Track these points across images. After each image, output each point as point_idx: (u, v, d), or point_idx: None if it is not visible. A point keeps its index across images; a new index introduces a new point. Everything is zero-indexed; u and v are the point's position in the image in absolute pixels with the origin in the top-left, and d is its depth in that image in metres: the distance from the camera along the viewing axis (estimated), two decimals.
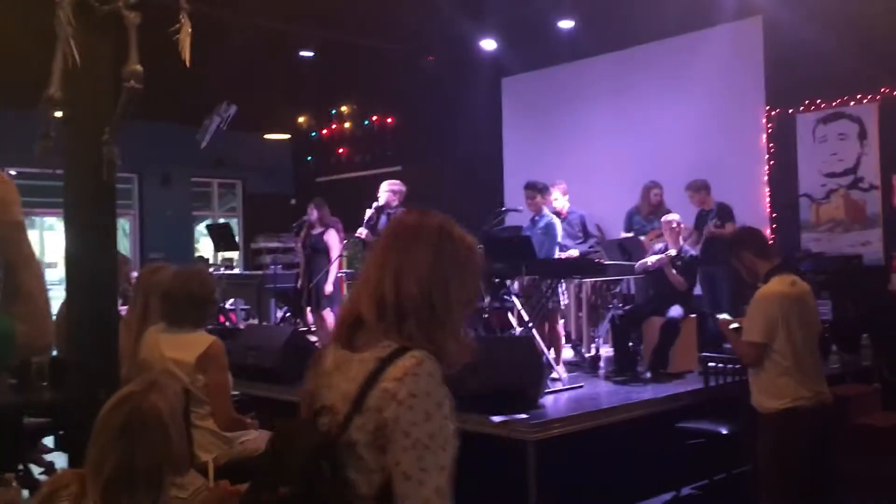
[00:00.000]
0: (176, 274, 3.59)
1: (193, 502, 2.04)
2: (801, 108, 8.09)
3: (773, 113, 8.28)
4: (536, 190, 6.70)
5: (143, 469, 1.98)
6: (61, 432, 4.00)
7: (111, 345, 3.50)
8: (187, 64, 2.90)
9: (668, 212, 7.00)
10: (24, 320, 1.60)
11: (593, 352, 6.93)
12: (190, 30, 2.91)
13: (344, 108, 12.58)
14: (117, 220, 3.91)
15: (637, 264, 6.76)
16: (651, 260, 6.53)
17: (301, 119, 13.05)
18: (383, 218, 7.02)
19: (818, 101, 7.96)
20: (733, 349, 4.12)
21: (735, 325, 4.20)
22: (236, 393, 3.78)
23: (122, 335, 3.63)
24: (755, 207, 8.07)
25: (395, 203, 7.00)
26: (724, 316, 4.43)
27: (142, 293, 3.78)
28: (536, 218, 6.79)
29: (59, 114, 3.39)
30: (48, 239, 12.36)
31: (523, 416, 4.81)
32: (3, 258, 1.63)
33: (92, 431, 2.02)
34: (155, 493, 1.97)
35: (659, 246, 6.62)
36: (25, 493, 2.56)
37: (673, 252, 6.45)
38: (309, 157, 13.29)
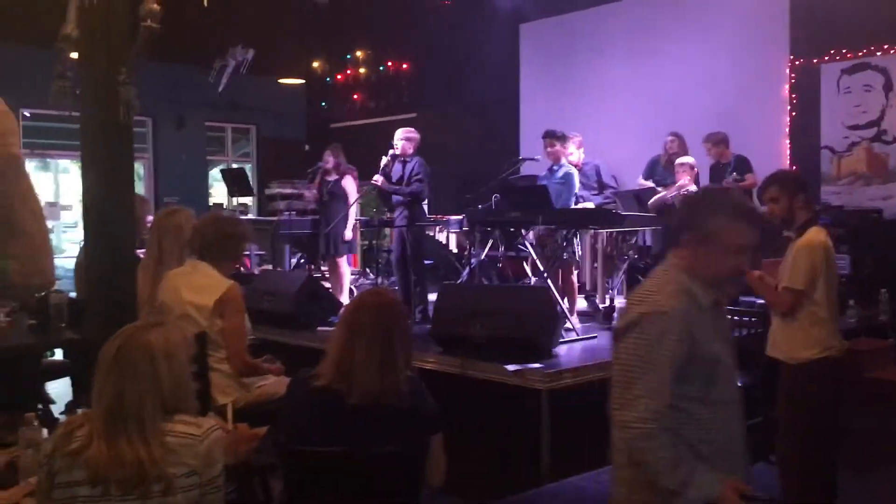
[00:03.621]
0: (207, 215, 3.62)
1: (206, 439, 2.06)
2: (826, 58, 7.90)
3: (796, 63, 8.10)
4: (556, 138, 6.62)
5: (130, 401, 2.02)
6: (75, 374, 4.04)
7: (130, 286, 3.50)
8: (205, 2, 2.83)
9: None
10: (18, 258, 1.58)
11: (607, 303, 6.92)
12: None
13: (359, 54, 12.40)
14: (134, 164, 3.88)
15: (653, 199, 6.73)
16: (666, 194, 6.52)
17: (315, 64, 12.89)
18: (398, 166, 6.96)
19: (843, 50, 7.77)
20: (765, 297, 4.04)
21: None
22: (252, 337, 3.79)
23: (139, 278, 3.64)
24: (775, 159, 7.94)
25: (410, 151, 6.93)
26: None
27: (157, 236, 3.78)
28: (555, 167, 6.72)
29: (74, 55, 3.35)
30: (63, 181, 12.36)
31: (537, 365, 4.83)
32: (1, 194, 1.60)
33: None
34: (142, 425, 2.00)
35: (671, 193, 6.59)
36: (45, 432, 2.59)
37: (692, 187, 6.43)
38: (323, 103, 13.16)
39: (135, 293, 3.48)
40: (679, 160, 6.69)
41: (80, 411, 2.39)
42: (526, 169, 7.63)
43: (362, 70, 12.38)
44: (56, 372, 4.40)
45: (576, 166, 7.27)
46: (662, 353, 2.07)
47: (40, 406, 3.63)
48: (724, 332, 2.27)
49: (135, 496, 1.98)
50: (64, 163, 12.34)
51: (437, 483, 2.51)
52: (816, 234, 3.81)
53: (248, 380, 3.52)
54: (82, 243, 3.95)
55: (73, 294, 3.91)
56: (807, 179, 4.51)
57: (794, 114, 8.15)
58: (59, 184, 12.33)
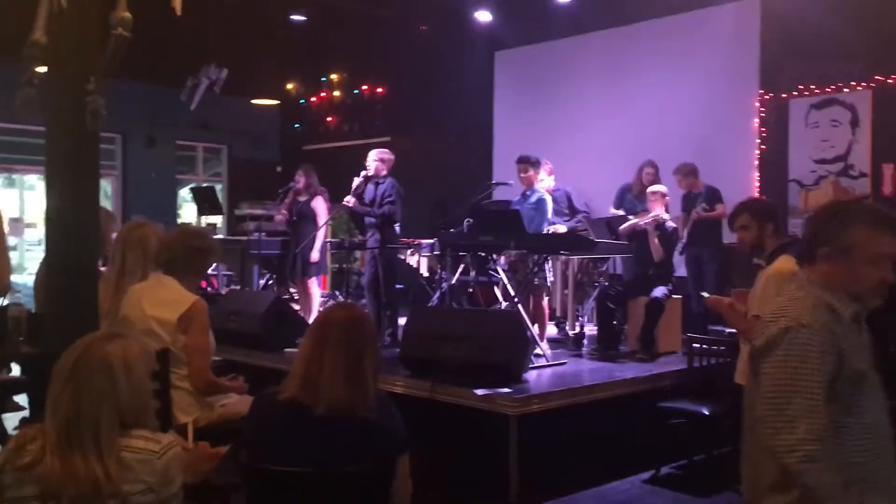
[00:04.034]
0: (175, 229, 3.54)
1: (164, 455, 1.98)
2: (795, 93, 8.05)
3: (766, 97, 8.24)
4: (529, 163, 6.63)
5: (87, 415, 1.95)
6: (33, 390, 3.92)
7: (91, 299, 3.41)
8: (178, 12, 2.79)
9: None
10: None
11: (577, 329, 6.92)
12: None
13: (334, 76, 12.41)
14: (100, 178, 3.81)
15: (624, 226, 6.76)
16: (638, 221, 6.56)
17: (290, 85, 12.87)
18: (370, 187, 6.92)
19: (812, 86, 7.92)
20: (735, 325, 4.05)
21: (705, 294, 4.20)
22: (217, 358, 3.71)
23: (101, 290, 3.55)
24: (744, 191, 8.03)
25: (383, 172, 6.90)
26: (706, 294, 4.38)
27: (121, 248, 3.70)
28: (528, 193, 6.73)
29: (42, 68, 3.28)
30: (28, 198, 12.15)
31: (506, 390, 4.79)
32: None
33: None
34: (98, 439, 1.93)
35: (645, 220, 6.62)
36: None
37: (664, 215, 6.47)
38: (297, 125, 13.12)
39: (96, 306, 3.39)
40: (651, 189, 6.74)
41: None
42: (498, 194, 7.64)
43: (337, 93, 12.38)
44: (12, 388, 4.28)
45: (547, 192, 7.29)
46: (810, 368, 1.98)
47: None
48: (867, 347, 2.17)
49: None
50: (30, 178, 12.14)
51: None
52: (786, 262, 3.83)
53: (211, 398, 3.44)
54: (43, 258, 3.85)
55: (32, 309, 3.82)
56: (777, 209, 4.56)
57: (763, 147, 8.28)
58: (24, 200, 12.12)
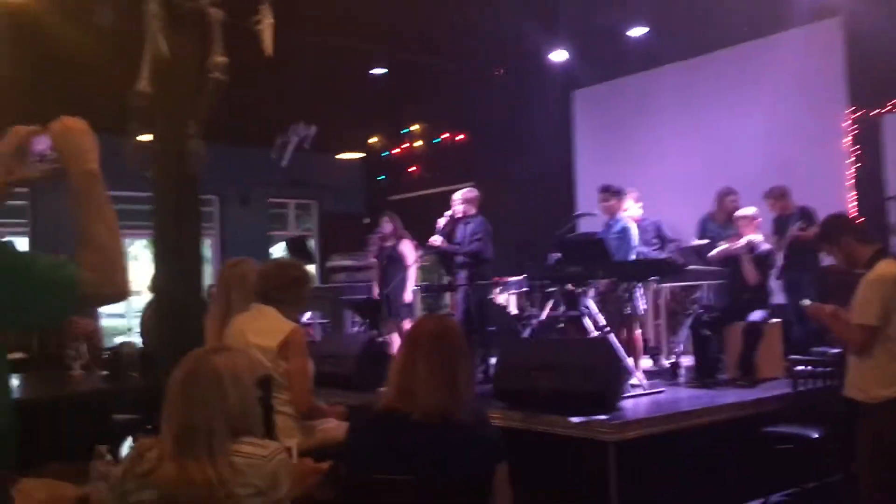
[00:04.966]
0: (271, 261, 3.71)
1: (272, 459, 2.07)
2: (886, 108, 7.81)
3: (856, 115, 8.01)
4: (611, 193, 6.62)
5: (199, 424, 2.04)
6: (149, 427, 4.10)
7: (198, 337, 3.59)
8: (269, 53, 2.97)
9: None
10: (92, 269, 1.63)
11: (673, 360, 6.76)
12: (272, 20, 2.98)
13: (415, 127, 12.71)
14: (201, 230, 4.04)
15: (714, 251, 6.62)
16: (730, 246, 6.41)
17: (373, 139, 13.24)
18: (459, 226, 7.02)
19: None
20: (838, 334, 3.92)
21: (806, 301, 4.08)
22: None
23: (207, 329, 3.72)
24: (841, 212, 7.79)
25: (472, 211, 6.98)
26: (807, 302, 4.25)
27: (224, 287, 3.88)
28: (611, 222, 6.70)
29: (146, 137, 3.53)
30: (133, 268, 12.76)
31: (603, 417, 4.73)
32: (77, 208, 1.68)
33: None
34: (211, 447, 2.02)
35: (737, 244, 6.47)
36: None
37: (757, 238, 6.31)
38: (380, 177, 13.45)
39: (202, 342, 3.56)
40: (740, 213, 6.59)
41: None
42: (583, 227, 7.63)
43: (418, 143, 12.66)
44: (128, 428, 4.48)
45: (635, 221, 7.24)
46: None
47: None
48: None
49: None
50: (134, 249, 12.81)
51: None
52: (887, 267, 3.70)
53: (312, 423, 3.53)
54: (150, 299, 4.08)
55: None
56: (847, 219, 4.43)
57: (857, 165, 8.02)
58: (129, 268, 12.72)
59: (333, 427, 3.56)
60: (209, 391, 2.09)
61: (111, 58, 4.75)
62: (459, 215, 6.98)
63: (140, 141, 3.31)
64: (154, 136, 3.34)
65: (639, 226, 7.34)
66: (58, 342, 4.17)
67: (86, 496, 2.50)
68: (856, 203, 7.95)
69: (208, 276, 7.14)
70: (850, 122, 8.05)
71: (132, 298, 11.97)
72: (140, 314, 4.88)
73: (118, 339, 4.78)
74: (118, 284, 1.70)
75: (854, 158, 8.04)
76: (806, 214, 7.02)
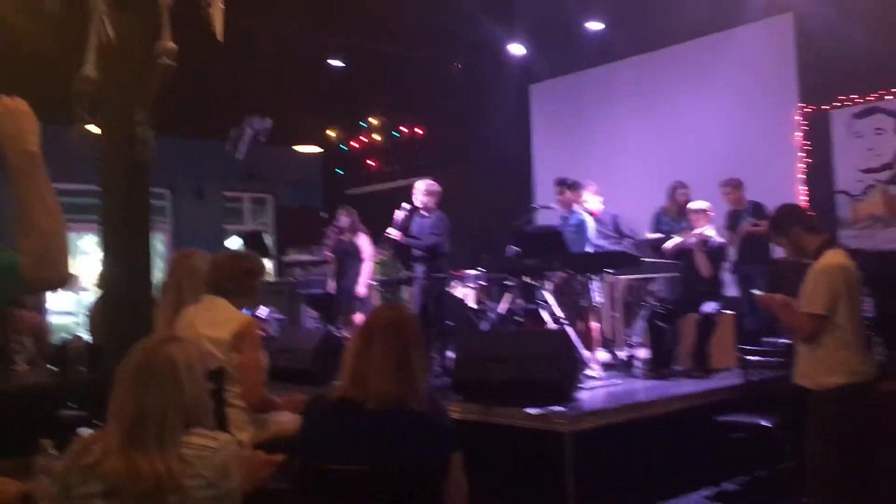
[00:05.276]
0: (223, 253, 3.65)
1: (222, 451, 2.02)
2: (836, 103, 7.97)
3: (806, 110, 8.17)
4: (566, 186, 6.66)
5: (153, 413, 2.00)
6: (97, 422, 4.01)
7: (147, 330, 3.52)
8: (219, 38, 2.91)
9: None
10: (31, 255, 1.58)
11: (628, 352, 6.82)
12: (221, 5, 2.92)
13: (373, 120, 12.64)
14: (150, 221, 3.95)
15: (668, 244, 6.68)
16: (687, 239, 6.47)
17: (331, 132, 13.14)
18: (416, 219, 6.99)
19: (853, 96, 7.84)
20: (787, 323, 3.98)
21: (756, 291, 4.14)
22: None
23: (157, 321, 3.65)
24: None
25: (431, 205, 6.95)
26: (758, 291, 4.32)
27: (175, 277, 3.80)
28: (568, 215, 6.73)
29: (93, 128, 3.44)
30: (81, 263, 12.46)
31: (559, 408, 4.74)
32: (16, 190, 1.62)
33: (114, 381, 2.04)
34: (162, 437, 1.98)
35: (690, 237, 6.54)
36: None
37: (709, 231, 6.39)
38: (339, 170, 13.35)
39: (151, 333, 3.48)
40: (693, 206, 6.67)
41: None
42: (540, 220, 7.65)
43: (377, 136, 12.60)
44: (74, 423, 4.37)
45: (593, 215, 7.28)
46: None
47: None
48: None
49: None
50: (83, 244, 12.50)
51: None
52: (834, 257, 3.77)
53: (265, 416, 3.48)
54: (98, 294, 3.98)
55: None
56: (798, 210, 4.50)
57: (808, 160, 8.18)
58: (78, 263, 12.42)
59: (287, 420, 3.51)
60: (164, 380, 2.04)
61: (55, 42, 4.61)
62: (420, 207, 6.94)
63: (85, 128, 3.22)
64: (101, 124, 3.25)
65: (597, 219, 7.39)
66: (2, 335, 4.05)
67: (30, 492, 2.43)
68: (806, 197, 8.11)
69: (160, 270, 7.00)
70: (800, 117, 8.20)
71: (81, 295, 11.72)
72: (88, 311, 4.76)
73: (66, 336, 4.68)
74: (59, 269, 1.65)
75: (804, 153, 8.19)
76: (758, 209, 7.14)
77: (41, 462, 2.45)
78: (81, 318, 11.45)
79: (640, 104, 9.38)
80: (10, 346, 3.87)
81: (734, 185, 7.28)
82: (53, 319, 11.43)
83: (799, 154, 8.22)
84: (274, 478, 2.63)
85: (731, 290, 7.17)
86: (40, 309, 9.11)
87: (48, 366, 3.73)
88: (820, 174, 8.06)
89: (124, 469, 1.94)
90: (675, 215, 7.65)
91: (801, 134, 8.21)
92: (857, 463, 3.72)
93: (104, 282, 3.68)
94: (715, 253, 6.40)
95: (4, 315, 3.84)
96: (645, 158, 9.16)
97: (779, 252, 5.74)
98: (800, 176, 8.21)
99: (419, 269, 6.95)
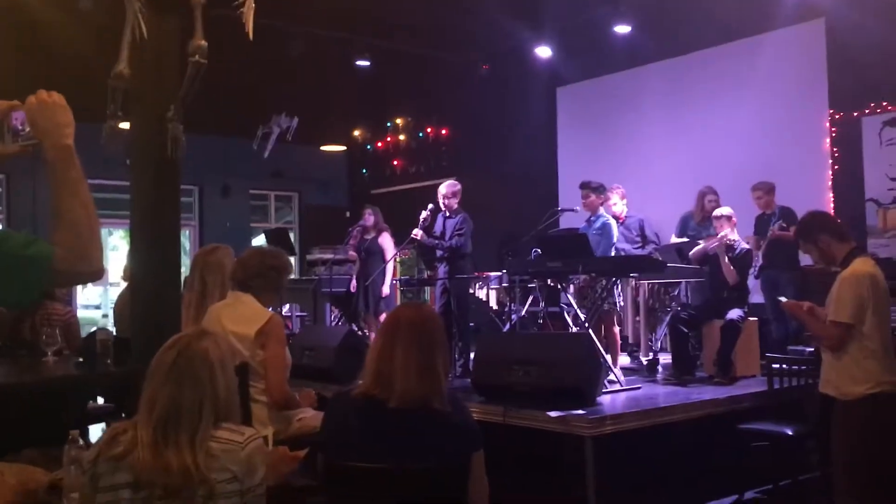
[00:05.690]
0: (249, 249, 3.70)
1: (247, 445, 2.05)
2: (867, 111, 7.88)
3: (836, 117, 8.08)
4: (591, 189, 6.64)
5: (188, 407, 2.02)
6: (123, 414, 4.06)
7: (174, 324, 3.56)
8: (250, 36, 2.94)
9: None
10: (65, 247, 1.61)
11: (651, 357, 6.80)
12: (254, 4, 2.95)
13: (399, 121, 12.68)
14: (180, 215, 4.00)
15: (694, 250, 6.64)
16: (709, 245, 6.42)
17: (356, 132, 13.19)
18: (440, 220, 7.01)
19: (884, 103, 7.74)
20: (813, 332, 3.94)
21: (782, 298, 4.11)
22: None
23: (183, 317, 3.69)
24: None
25: (454, 206, 6.96)
26: (784, 298, 4.28)
27: (200, 272, 3.83)
28: (592, 218, 6.71)
29: (125, 125, 3.48)
30: (112, 258, 12.63)
31: (581, 411, 4.73)
32: (51, 183, 1.65)
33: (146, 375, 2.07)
34: (195, 431, 2.00)
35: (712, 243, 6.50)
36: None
37: (733, 236, 6.34)
38: (364, 170, 13.40)
39: (178, 328, 3.53)
40: (717, 212, 6.62)
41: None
42: (564, 222, 7.63)
43: (402, 136, 12.63)
44: (101, 416, 4.43)
45: (618, 218, 7.26)
46: None
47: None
48: None
49: (178, 502, 1.96)
50: (113, 239, 12.66)
51: None
52: (862, 265, 3.73)
53: (288, 412, 3.51)
54: (125, 286, 4.04)
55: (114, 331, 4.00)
56: (827, 217, 4.46)
57: (836, 167, 8.09)
58: (107, 258, 12.59)
59: (310, 416, 3.54)
60: (199, 375, 2.07)
61: (91, 41, 4.69)
62: (444, 208, 6.95)
63: (118, 126, 3.26)
64: (133, 121, 3.30)
65: (623, 223, 7.37)
66: (32, 328, 4.11)
67: (58, 481, 2.47)
68: (835, 204, 8.02)
69: (186, 266, 7.09)
70: (830, 123, 8.12)
71: (109, 289, 11.86)
72: (114, 304, 4.83)
73: (94, 329, 4.77)
74: (92, 261, 1.68)
75: (834, 160, 8.10)
76: (786, 214, 7.07)
77: (70, 452, 2.49)
78: (107, 312, 11.61)
79: (668, 108, 9.33)
80: (40, 338, 3.93)
81: (766, 189, 7.21)
82: (81, 313, 11.60)
83: (828, 161, 8.13)
84: (297, 473, 2.66)
85: (757, 297, 7.11)
86: (70, 302, 9.23)
87: (76, 359, 3.78)
88: (849, 181, 7.97)
89: (153, 462, 1.97)
90: (701, 221, 7.59)
91: (831, 140, 8.12)
92: (884, 472, 3.68)
93: (133, 276, 3.71)
94: (740, 259, 6.35)
95: (36, 307, 3.90)
96: (672, 163, 9.11)
97: (807, 259, 5.70)
98: (829, 183, 8.12)
99: (442, 270, 6.96)
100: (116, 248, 12.71)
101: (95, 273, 1.69)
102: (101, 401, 4.48)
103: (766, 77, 8.46)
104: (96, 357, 3.55)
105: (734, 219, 6.53)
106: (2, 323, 4.15)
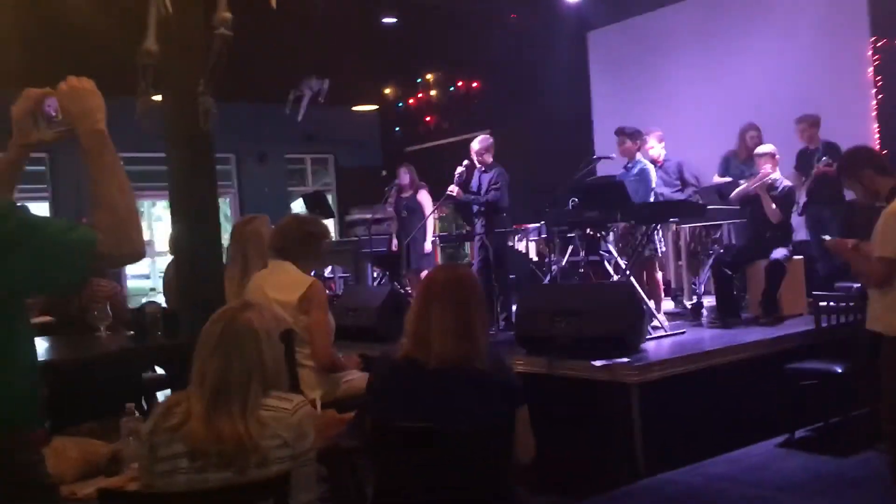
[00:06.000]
0: (287, 217, 3.74)
1: (297, 412, 2.10)
2: None
3: (879, 44, 7.80)
4: (626, 135, 6.54)
5: (236, 378, 2.07)
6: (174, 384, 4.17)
7: (219, 295, 3.63)
8: (273, 5, 2.93)
9: None
10: (105, 230, 1.64)
11: (695, 301, 6.75)
12: None
13: (429, 76, 12.58)
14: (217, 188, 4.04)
15: (735, 192, 6.54)
16: (750, 185, 6.32)
17: (387, 90, 13.13)
18: (476, 175, 6.99)
19: None
20: (857, 269, 3.87)
21: (826, 237, 4.04)
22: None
23: (227, 287, 3.76)
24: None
25: (489, 160, 6.93)
26: (828, 237, 4.21)
27: (239, 244, 3.89)
28: (629, 164, 6.64)
29: (157, 97, 3.51)
30: (157, 228, 12.85)
31: (625, 359, 4.74)
32: (89, 168, 1.68)
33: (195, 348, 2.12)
34: (245, 401, 2.05)
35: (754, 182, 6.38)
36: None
37: (774, 174, 6.23)
38: (397, 128, 13.37)
39: (223, 300, 3.59)
40: (759, 149, 6.49)
41: None
42: (601, 170, 7.55)
43: (433, 92, 12.54)
44: (156, 385, 4.57)
45: (657, 162, 7.15)
46: None
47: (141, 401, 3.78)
48: None
49: (233, 469, 2.03)
50: (157, 210, 12.86)
51: (526, 459, 2.48)
52: None
53: (335, 375, 3.57)
54: (171, 259, 4.12)
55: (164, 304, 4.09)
56: (870, 151, 4.35)
57: (880, 96, 7.85)
58: (153, 229, 12.81)
59: (357, 378, 3.60)
60: (246, 347, 2.11)
61: (117, 18, 4.71)
62: (478, 163, 6.93)
63: (150, 99, 3.29)
64: (164, 95, 3.33)
65: (661, 166, 7.26)
66: (80, 305, 4.23)
67: (117, 452, 2.56)
68: (879, 135, 7.80)
69: (228, 232, 7.21)
70: (872, 51, 7.85)
71: (156, 259, 12.10)
72: (163, 275, 4.93)
73: (143, 300, 4.89)
74: (132, 243, 1.71)
75: (877, 89, 7.86)
76: (831, 149, 6.90)
77: (127, 424, 2.58)
78: (155, 284, 11.87)
79: (703, 46, 9.10)
80: (90, 314, 4.04)
81: (810, 122, 7.02)
82: (129, 283, 11.87)
83: (872, 90, 7.89)
84: (345, 435, 2.73)
85: (801, 234, 6.99)
86: (119, 275, 9.44)
87: (127, 332, 3.88)
88: (893, 111, 7.73)
89: (206, 433, 2.03)
90: (744, 159, 7.44)
91: (874, 69, 7.86)
92: None
93: (176, 248, 3.78)
94: (783, 197, 6.24)
95: (84, 285, 3.99)
96: (709, 102, 8.92)
97: (851, 194, 5.57)
98: (873, 114, 7.88)
99: (479, 225, 6.96)
100: (161, 218, 12.90)
101: (137, 254, 1.73)
102: (159, 370, 4.61)
103: (804, 6, 8.20)
104: (147, 330, 3.64)
105: (777, 156, 6.40)
106: (51, 302, 4.28)
